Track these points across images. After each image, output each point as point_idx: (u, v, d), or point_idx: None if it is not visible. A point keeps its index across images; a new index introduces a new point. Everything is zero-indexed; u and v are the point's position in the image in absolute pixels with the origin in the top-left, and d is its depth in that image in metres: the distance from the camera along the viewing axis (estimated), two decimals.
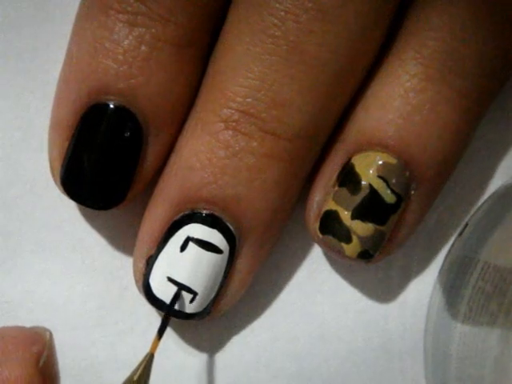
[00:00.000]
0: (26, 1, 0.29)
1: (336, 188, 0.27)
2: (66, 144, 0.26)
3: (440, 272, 0.29)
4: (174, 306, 0.26)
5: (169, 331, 0.29)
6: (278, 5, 0.25)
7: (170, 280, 0.26)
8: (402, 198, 0.27)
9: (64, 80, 0.26)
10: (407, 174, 0.26)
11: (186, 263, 0.26)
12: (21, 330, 0.24)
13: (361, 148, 0.27)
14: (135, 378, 0.25)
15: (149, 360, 0.26)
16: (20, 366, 0.23)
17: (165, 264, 0.26)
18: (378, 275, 0.30)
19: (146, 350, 0.29)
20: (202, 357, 0.29)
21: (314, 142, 0.27)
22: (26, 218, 0.29)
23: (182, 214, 0.26)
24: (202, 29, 0.26)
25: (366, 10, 0.25)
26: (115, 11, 0.25)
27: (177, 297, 0.26)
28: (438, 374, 0.28)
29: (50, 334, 0.24)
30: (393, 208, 0.27)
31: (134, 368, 0.25)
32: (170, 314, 0.27)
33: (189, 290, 0.26)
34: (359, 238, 0.27)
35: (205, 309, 0.27)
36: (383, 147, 0.26)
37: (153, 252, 0.27)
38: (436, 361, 0.28)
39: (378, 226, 0.27)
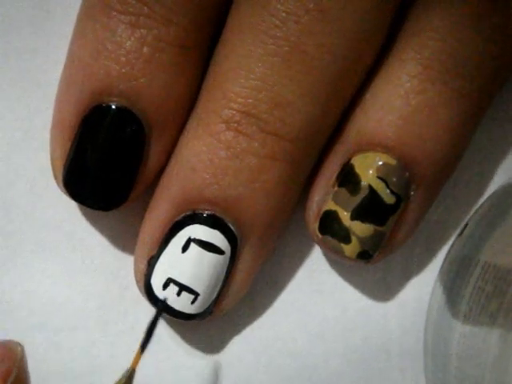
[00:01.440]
0: (26, 1, 0.29)
1: (336, 188, 0.27)
2: (69, 144, 0.26)
3: (440, 272, 0.29)
4: (156, 324, 0.26)
5: (169, 331, 0.29)
6: (279, 6, 0.25)
7: (172, 281, 0.26)
8: (401, 199, 0.27)
9: (66, 81, 0.26)
10: (407, 174, 0.26)
11: (187, 264, 0.26)
12: None
13: (361, 148, 0.27)
14: None
15: (130, 376, 0.25)
16: None
17: (166, 265, 0.26)
18: (377, 275, 0.30)
19: (146, 350, 0.29)
20: (202, 357, 0.29)
21: (315, 142, 0.27)
22: (26, 218, 0.29)
23: (183, 215, 0.26)
24: (203, 30, 0.26)
25: (366, 11, 0.25)
26: (117, 12, 0.25)
27: (157, 318, 0.26)
28: (437, 374, 0.28)
29: (22, 349, 0.23)
30: (392, 209, 0.27)
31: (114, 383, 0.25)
32: (151, 333, 0.26)
33: (190, 290, 0.26)
34: (358, 238, 0.27)
35: (206, 309, 0.27)
36: (383, 148, 0.26)
37: (154, 253, 0.27)
38: (436, 361, 0.28)
39: (377, 227, 0.27)
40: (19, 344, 0.23)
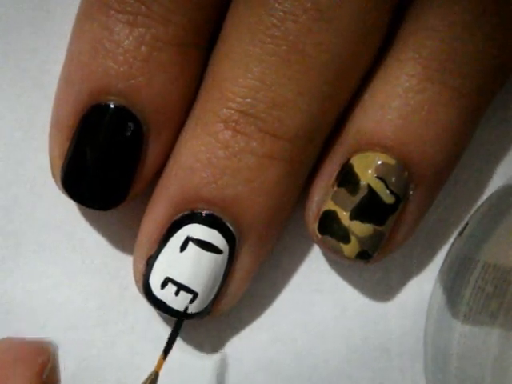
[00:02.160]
0: (26, 1, 0.29)
1: (335, 188, 0.27)
2: (67, 144, 0.26)
3: (440, 272, 0.29)
4: (178, 331, 0.27)
5: (168, 331, 0.29)
6: (277, 5, 0.25)
7: (170, 280, 0.26)
8: (400, 199, 0.27)
9: (64, 80, 0.26)
10: (406, 174, 0.26)
11: (185, 263, 0.26)
12: (26, 341, 0.24)
13: (360, 148, 0.27)
14: None
15: (153, 379, 0.26)
16: (26, 378, 0.23)
17: (165, 264, 0.26)
18: (377, 275, 0.30)
19: (146, 350, 0.29)
20: (202, 357, 0.29)
21: (314, 142, 0.27)
22: (26, 218, 0.29)
23: (181, 214, 0.26)
24: (202, 29, 0.26)
25: (364, 10, 0.25)
26: (115, 11, 0.25)
27: (180, 324, 0.27)
28: (438, 374, 0.28)
29: (54, 346, 0.24)
30: (391, 208, 0.27)
31: None
32: (175, 336, 0.27)
33: (189, 290, 0.26)
34: (358, 238, 0.27)
35: (205, 309, 0.27)
36: (382, 148, 0.26)
37: (153, 252, 0.27)
38: (436, 361, 0.28)
39: (376, 227, 0.27)
40: (51, 342, 0.25)
